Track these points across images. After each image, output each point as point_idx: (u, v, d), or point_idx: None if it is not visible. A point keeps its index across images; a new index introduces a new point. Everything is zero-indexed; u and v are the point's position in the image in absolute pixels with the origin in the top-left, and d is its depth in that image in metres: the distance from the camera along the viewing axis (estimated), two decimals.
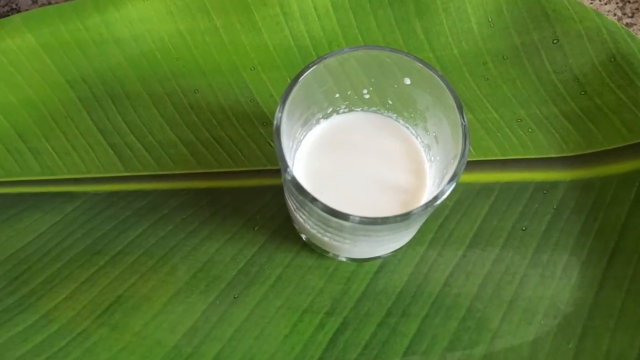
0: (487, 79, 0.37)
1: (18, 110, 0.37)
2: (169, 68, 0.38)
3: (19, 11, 0.42)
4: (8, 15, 0.41)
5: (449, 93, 0.26)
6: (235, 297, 0.32)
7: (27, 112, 0.37)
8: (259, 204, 0.35)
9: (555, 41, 0.37)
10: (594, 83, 0.36)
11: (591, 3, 0.41)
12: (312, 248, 0.33)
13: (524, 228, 0.34)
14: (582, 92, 0.36)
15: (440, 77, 0.26)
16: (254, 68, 0.38)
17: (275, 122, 0.25)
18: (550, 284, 0.33)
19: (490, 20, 0.38)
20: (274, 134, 0.25)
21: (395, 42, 0.38)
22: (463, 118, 0.25)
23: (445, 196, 0.24)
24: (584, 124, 0.36)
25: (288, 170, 0.25)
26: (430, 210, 0.24)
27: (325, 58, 0.26)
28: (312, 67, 0.26)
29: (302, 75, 0.26)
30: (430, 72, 0.26)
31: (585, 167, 0.35)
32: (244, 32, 0.38)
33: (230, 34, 0.38)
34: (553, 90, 0.37)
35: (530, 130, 0.36)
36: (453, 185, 0.24)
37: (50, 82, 0.37)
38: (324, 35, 0.38)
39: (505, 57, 0.37)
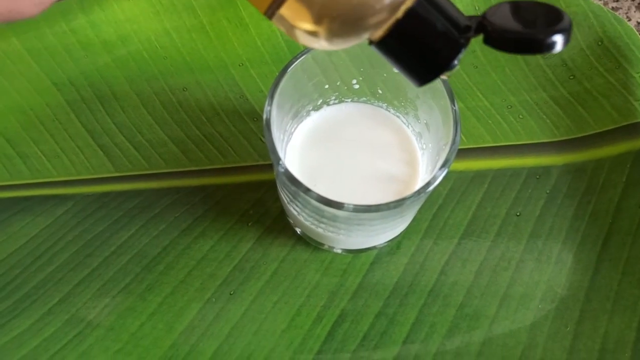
0: (477, 66, 0.37)
1: (5, 116, 0.37)
2: (157, 67, 0.38)
3: None
4: None
5: (439, 80, 0.26)
6: (231, 294, 0.32)
7: (14, 116, 0.37)
8: (252, 200, 0.34)
9: None
10: (582, 67, 0.36)
11: None
12: (307, 241, 0.33)
13: (518, 214, 0.34)
14: (571, 77, 0.37)
15: None
16: (243, 64, 0.38)
17: (265, 116, 0.25)
18: (546, 269, 0.32)
19: (477, 8, 0.38)
20: (264, 127, 0.25)
21: None
22: (453, 104, 0.25)
23: (437, 182, 0.24)
24: (574, 108, 0.36)
25: (280, 162, 0.25)
26: (423, 197, 0.24)
27: (313, 49, 0.26)
28: (299, 58, 0.26)
29: (289, 66, 0.26)
30: None
31: (576, 151, 0.35)
32: (231, 28, 0.38)
33: (217, 31, 0.38)
34: (542, 75, 0.37)
35: (520, 116, 0.36)
36: (445, 172, 0.24)
37: (37, 86, 0.37)
38: None
39: None
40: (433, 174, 0.24)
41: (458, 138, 0.24)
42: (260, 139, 0.36)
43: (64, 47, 0.37)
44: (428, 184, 0.24)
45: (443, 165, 0.24)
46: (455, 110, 0.25)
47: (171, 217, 0.34)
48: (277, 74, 0.37)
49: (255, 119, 0.37)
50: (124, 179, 0.36)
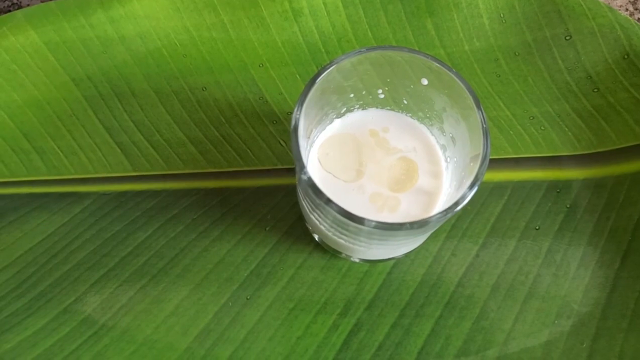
0: (499, 75, 0.37)
1: (22, 110, 0.36)
2: (176, 65, 0.37)
3: (19, 7, 0.41)
4: (9, 11, 0.40)
5: (468, 94, 0.25)
6: (247, 299, 0.32)
7: (31, 111, 0.36)
8: (270, 204, 0.34)
9: (567, 38, 0.36)
10: (606, 80, 0.36)
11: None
12: (324, 248, 0.33)
13: (537, 227, 0.34)
14: (595, 90, 0.36)
15: (460, 78, 0.25)
16: (263, 65, 0.37)
17: (292, 123, 0.25)
18: (563, 284, 0.32)
19: (502, 16, 0.37)
20: (292, 135, 0.25)
21: (406, 39, 0.38)
22: (484, 120, 0.25)
23: (466, 202, 0.24)
24: (596, 121, 0.36)
25: (305, 170, 0.25)
26: (449, 216, 0.24)
27: (343, 59, 0.26)
28: (329, 67, 0.26)
29: (319, 75, 0.25)
30: (449, 72, 0.26)
31: (597, 166, 0.35)
32: (251, 28, 0.37)
33: (238, 30, 0.37)
34: (565, 87, 0.37)
35: (542, 128, 0.36)
36: (474, 191, 0.24)
37: (54, 80, 0.37)
38: (333, 31, 0.38)
39: (517, 54, 0.37)
40: (462, 192, 0.24)
41: (488, 156, 0.24)
42: (280, 143, 0.36)
43: (82, 42, 0.37)
44: (456, 204, 0.24)
45: (473, 184, 0.24)
46: (485, 128, 0.25)
47: (189, 219, 0.34)
48: (297, 75, 0.37)
49: (274, 122, 0.36)
50: (141, 178, 0.35)
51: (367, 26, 0.38)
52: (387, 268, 0.33)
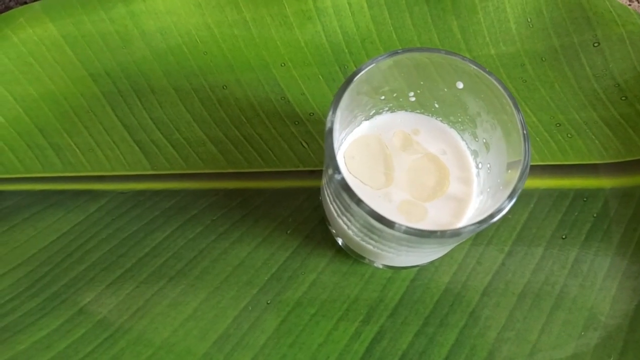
0: (525, 81, 0.36)
1: (38, 104, 0.35)
2: (196, 63, 0.36)
3: None
4: (25, 3, 0.39)
5: (508, 99, 0.25)
6: (268, 303, 0.31)
7: (47, 106, 0.36)
8: (292, 207, 0.33)
9: (595, 44, 0.36)
10: (635, 89, 0.35)
11: (630, 4, 0.40)
12: (346, 253, 0.32)
13: (563, 236, 0.33)
14: (623, 98, 0.36)
15: (499, 82, 0.25)
16: (285, 64, 0.37)
17: (328, 125, 0.24)
18: (590, 295, 0.32)
19: (529, 20, 0.36)
20: (326, 136, 0.24)
21: (431, 41, 0.37)
22: (524, 126, 0.24)
23: (503, 213, 0.23)
24: (624, 130, 0.35)
25: (338, 171, 0.24)
26: (484, 227, 0.23)
27: (378, 60, 0.25)
28: (365, 68, 0.25)
29: (355, 76, 0.25)
30: (488, 76, 0.25)
31: (625, 175, 0.34)
32: (274, 26, 0.37)
33: (260, 28, 0.37)
34: (592, 94, 0.36)
35: (569, 135, 0.35)
36: (513, 202, 0.23)
37: (72, 75, 0.36)
38: (357, 32, 0.37)
39: (543, 59, 0.36)
40: (499, 203, 0.23)
41: (528, 165, 0.23)
42: (301, 144, 0.35)
43: (102, 37, 0.36)
44: (492, 215, 0.23)
45: (512, 195, 0.23)
46: (525, 134, 0.24)
47: (208, 220, 0.33)
48: (319, 76, 0.37)
49: (296, 123, 0.36)
50: (160, 177, 0.34)
51: (391, 28, 0.37)
52: (410, 275, 0.32)
